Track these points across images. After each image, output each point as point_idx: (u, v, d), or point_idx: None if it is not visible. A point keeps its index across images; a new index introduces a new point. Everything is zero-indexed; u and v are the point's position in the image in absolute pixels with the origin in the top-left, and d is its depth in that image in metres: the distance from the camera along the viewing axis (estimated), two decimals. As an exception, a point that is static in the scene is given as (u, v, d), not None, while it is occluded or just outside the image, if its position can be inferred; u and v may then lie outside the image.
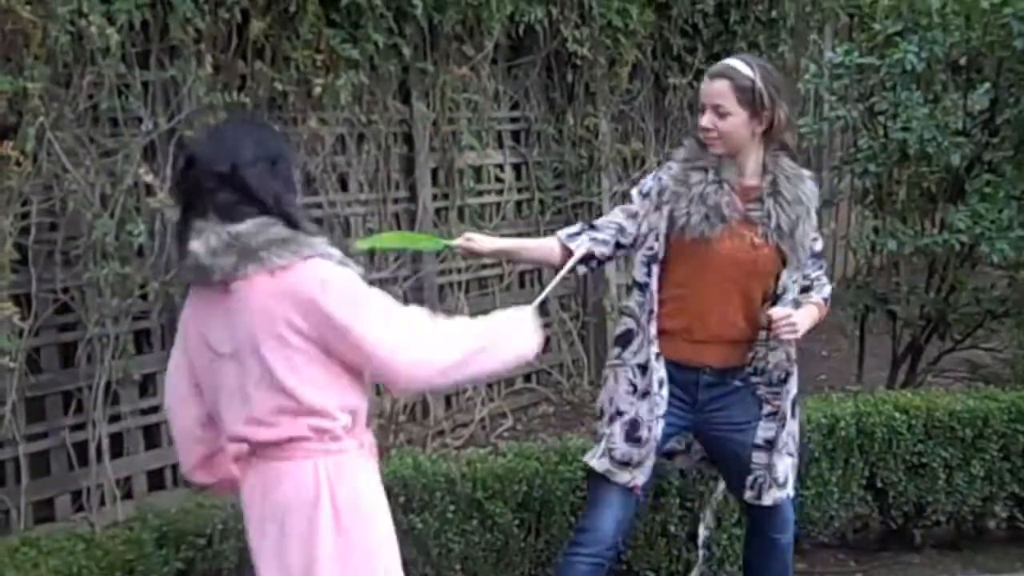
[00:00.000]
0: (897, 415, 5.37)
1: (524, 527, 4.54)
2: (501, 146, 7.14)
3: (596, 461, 4.01)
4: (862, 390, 5.97)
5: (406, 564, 3.11)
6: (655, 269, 3.93)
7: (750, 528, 4.30)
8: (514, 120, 7.25)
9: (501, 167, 7.12)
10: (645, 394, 3.94)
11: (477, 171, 6.96)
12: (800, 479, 5.13)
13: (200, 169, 2.86)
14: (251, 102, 5.31)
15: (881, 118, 6.51)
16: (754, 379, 4.05)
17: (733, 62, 3.91)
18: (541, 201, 7.36)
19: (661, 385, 3.93)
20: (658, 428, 3.94)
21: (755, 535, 4.26)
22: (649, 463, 3.97)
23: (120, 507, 4.91)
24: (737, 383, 4.03)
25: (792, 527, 4.22)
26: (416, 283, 6.50)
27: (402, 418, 6.20)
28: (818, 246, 4.09)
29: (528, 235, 6.53)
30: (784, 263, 3.96)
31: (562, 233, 3.99)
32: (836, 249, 9.91)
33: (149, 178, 4.94)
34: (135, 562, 3.73)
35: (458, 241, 3.90)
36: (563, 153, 7.41)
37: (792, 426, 4.08)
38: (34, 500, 4.73)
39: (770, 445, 4.04)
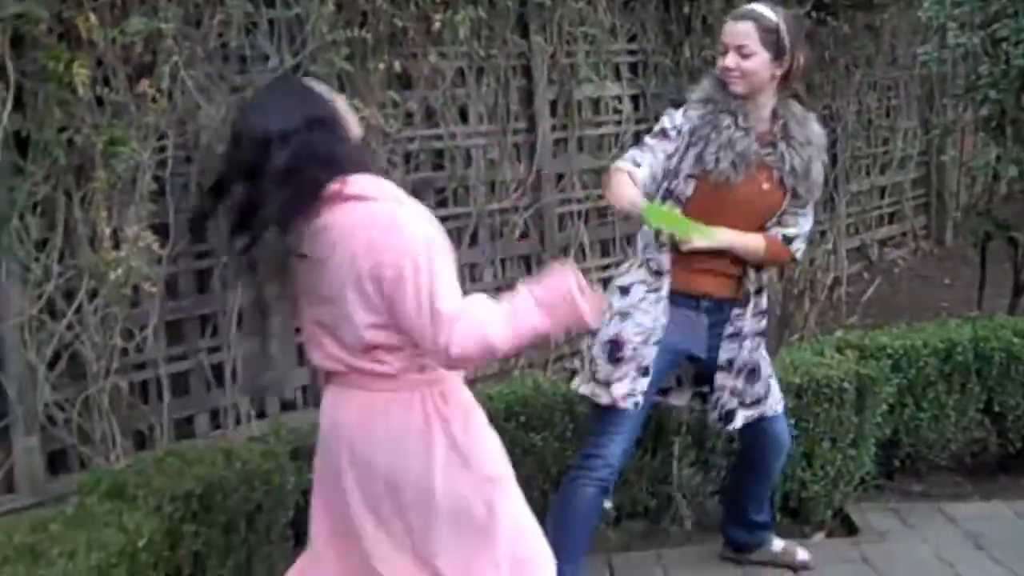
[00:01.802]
0: (1016, 340, 5.41)
1: (640, 446, 4.67)
2: (619, 78, 7.20)
3: (583, 386, 4.15)
4: (981, 316, 5.97)
5: (527, 479, 3.22)
6: (673, 205, 4.03)
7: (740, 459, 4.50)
8: (631, 52, 7.29)
9: (619, 99, 7.19)
10: (626, 315, 4.06)
11: (595, 103, 7.04)
12: (916, 401, 5.23)
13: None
14: (372, 38, 5.45)
15: (1004, 44, 6.44)
16: (735, 310, 4.18)
17: (757, 6, 4.03)
18: (659, 132, 7.40)
19: (658, 306, 4.06)
20: (647, 351, 4.05)
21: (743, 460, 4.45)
22: (640, 382, 4.07)
23: (255, 425, 5.13)
24: (730, 314, 4.16)
25: (784, 450, 4.38)
26: (536, 212, 6.64)
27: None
28: (818, 186, 4.22)
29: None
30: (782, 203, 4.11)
31: (625, 166, 3.95)
32: (959, 177, 9.83)
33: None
34: (271, 473, 3.94)
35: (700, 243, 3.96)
36: (680, 85, 7.44)
37: (757, 353, 4.21)
38: (175, 418, 4.96)
39: (730, 365, 4.18)
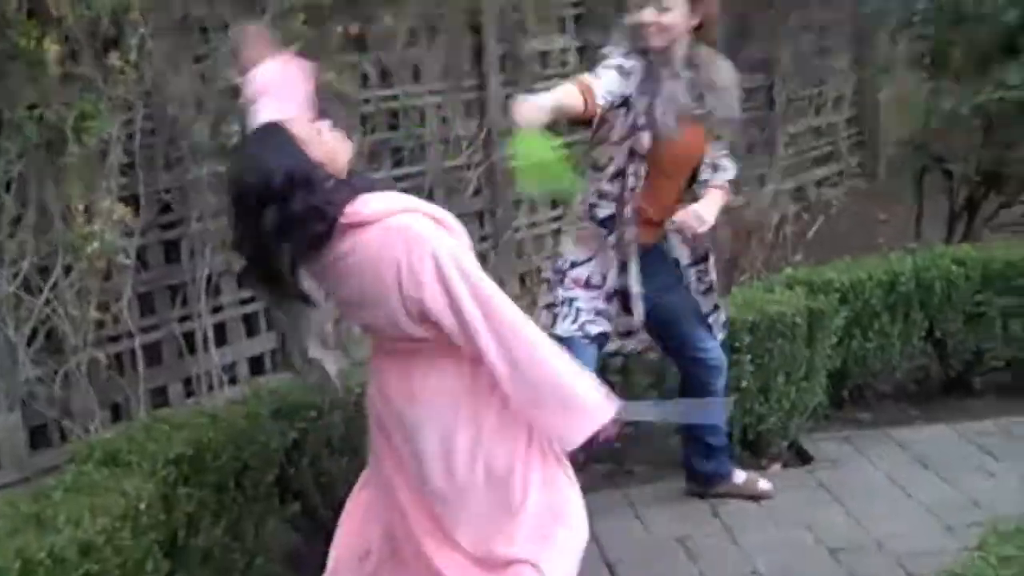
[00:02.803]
0: (954, 267, 5.63)
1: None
2: (564, 31, 7.34)
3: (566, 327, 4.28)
4: (920, 247, 6.21)
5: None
6: (638, 164, 4.14)
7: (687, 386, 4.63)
8: (576, 5, 7.43)
9: (566, 51, 7.33)
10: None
11: (543, 56, 7.18)
12: (863, 332, 5.47)
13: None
14: (329, 2, 5.55)
15: (936, -20, 6.65)
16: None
17: None
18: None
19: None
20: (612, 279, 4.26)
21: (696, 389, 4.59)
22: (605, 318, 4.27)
23: (227, 391, 5.28)
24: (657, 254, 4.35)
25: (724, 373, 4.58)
26: (488, 168, 6.80)
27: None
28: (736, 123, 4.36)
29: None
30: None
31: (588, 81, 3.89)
32: (892, 112, 10.06)
33: (239, 80, 5.21)
34: (255, 432, 4.09)
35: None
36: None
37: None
38: (150, 388, 5.10)
39: (710, 289, 4.45)
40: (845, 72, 9.71)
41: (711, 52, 4.22)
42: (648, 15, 4.02)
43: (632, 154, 4.14)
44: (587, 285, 4.28)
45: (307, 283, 3.16)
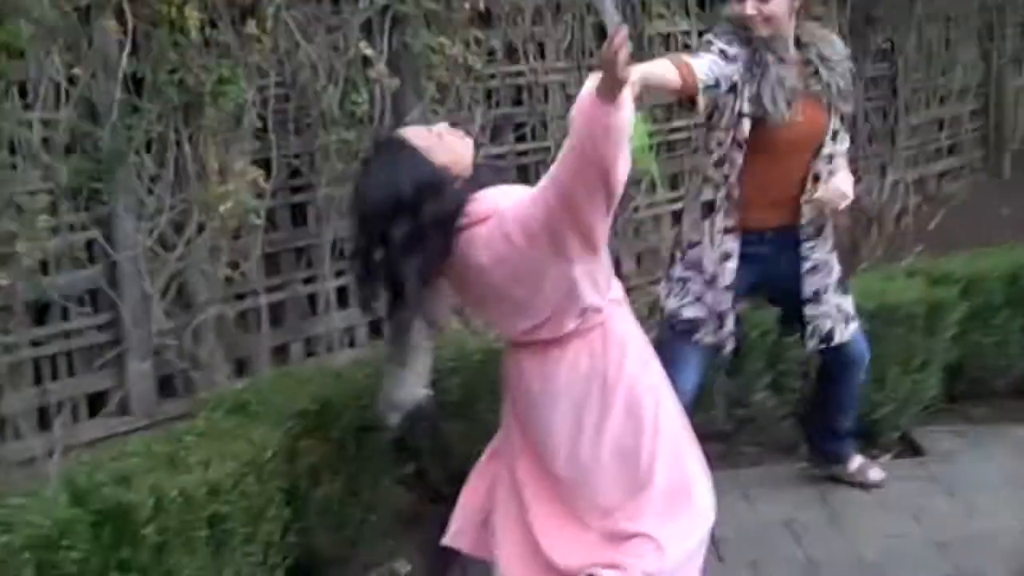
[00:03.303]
0: (1079, 264, 5.56)
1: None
2: (688, 14, 7.34)
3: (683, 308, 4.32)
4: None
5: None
6: (736, 152, 4.16)
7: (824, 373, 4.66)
8: (701, -12, 7.44)
9: (688, 34, 7.33)
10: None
11: (666, 38, 7.19)
12: (983, 326, 5.42)
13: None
14: (459, -20, 5.66)
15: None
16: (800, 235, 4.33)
17: None
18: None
19: (727, 258, 4.25)
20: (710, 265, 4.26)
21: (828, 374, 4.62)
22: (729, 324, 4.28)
23: (347, 353, 5.39)
24: (790, 239, 4.31)
25: (865, 360, 4.58)
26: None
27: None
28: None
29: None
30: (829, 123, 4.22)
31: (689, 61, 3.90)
32: (1020, 105, 9.89)
33: (368, 51, 5.32)
34: (376, 392, 4.20)
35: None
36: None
37: (836, 274, 4.41)
38: (273, 345, 5.23)
39: (816, 296, 4.37)
40: (971, 64, 9.56)
41: (820, 27, 4.25)
42: (750, 7, 4.03)
43: (735, 141, 4.15)
44: (699, 268, 4.31)
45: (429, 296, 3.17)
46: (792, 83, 4.09)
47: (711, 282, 4.27)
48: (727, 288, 4.26)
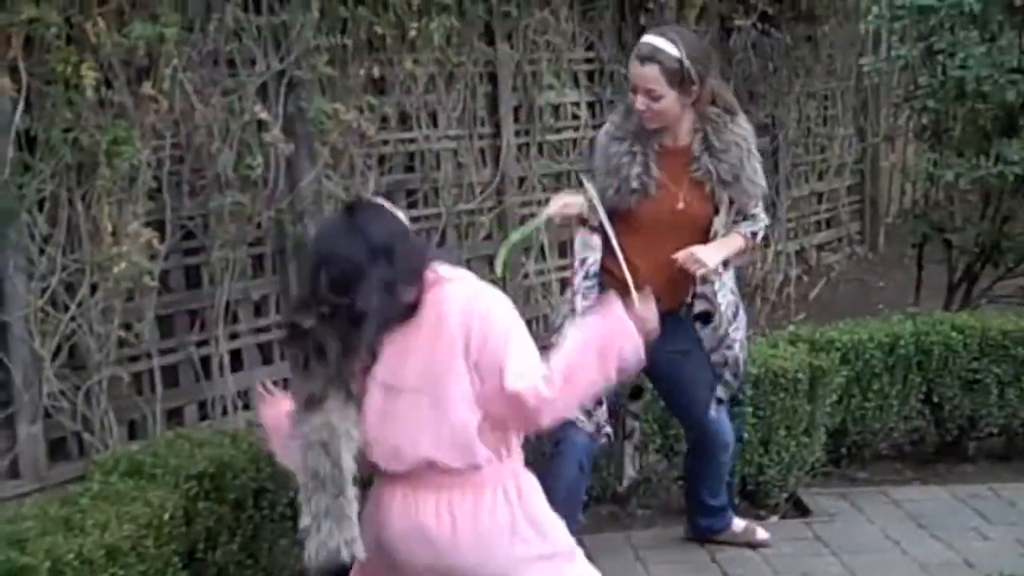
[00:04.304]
0: (953, 334, 5.74)
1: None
2: (577, 85, 7.50)
3: None
4: (920, 312, 6.33)
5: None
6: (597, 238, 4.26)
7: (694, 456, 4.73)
8: (589, 60, 7.59)
9: (578, 105, 7.49)
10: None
11: (556, 109, 7.35)
12: (863, 392, 5.59)
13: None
14: (352, 44, 5.73)
15: (940, 57, 6.83)
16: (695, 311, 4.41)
17: (659, 43, 4.11)
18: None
19: None
20: None
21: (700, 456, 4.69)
22: (599, 413, 4.30)
23: (240, 416, 5.36)
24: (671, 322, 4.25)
25: (728, 444, 4.66)
26: (500, 213, 6.92)
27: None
28: (759, 181, 4.35)
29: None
30: (717, 210, 4.28)
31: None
32: (893, 181, 10.24)
33: (264, 115, 5.36)
34: (274, 455, 4.18)
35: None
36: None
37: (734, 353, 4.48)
38: (166, 408, 5.19)
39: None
40: (848, 139, 9.89)
41: (722, 111, 4.28)
42: (640, 103, 4.15)
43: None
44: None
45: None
46: (626, 173, 4.20)
47: None
48: None
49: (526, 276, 7.00)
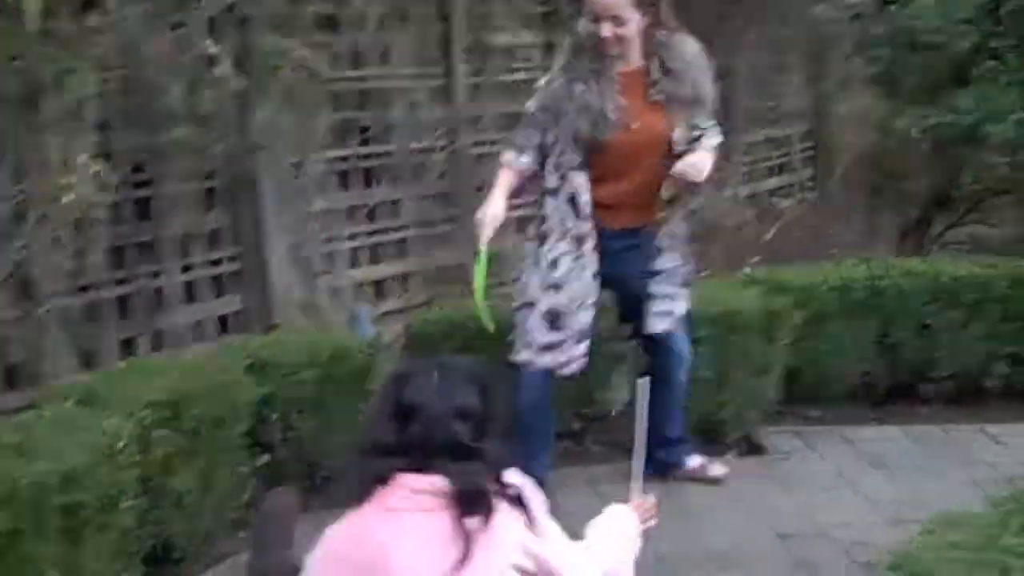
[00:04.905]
0: (905, 279, 5.75)
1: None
2: (529, 27, 7.44)
3: (522, 353, 4.40)
4: (874, 256, 6.36)
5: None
6: (573, 175, 4.30)
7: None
8: (543, 3, 7.54)
9: (531, 47, 7.43)
10: (558, 287, 4.34)
11: (508, 51, 7.28)
12: (817, 335, 5.60)
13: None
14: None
15: (892, 7, 6.84)
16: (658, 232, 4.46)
17: None
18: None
19: (585, 272, 4.36)
20: (583, 315, 4.36)
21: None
22: (577, 348, 4.38)
23: (194, 348, 5.32)
24: (641, 238, 4.44)
25: (685, 362, 4.72)
26: (453, 153, 6.87)
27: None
28: (711, 94, 4.41)
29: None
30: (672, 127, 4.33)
31: (510, 160, 4.35)
32: (845, 129, 10.26)
33: (213, 49, 5.27)
34: (229, 386, 4.15)
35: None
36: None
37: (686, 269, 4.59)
38: (120, 339, 5.17)
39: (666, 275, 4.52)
40: (801, 87, 9.90)
41: (669, 33, 4.30)
42: (606, 30, 4.17)
43: (557, 170, 4.33)
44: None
45: None
46: (598, 106, 4.21)
47: (579, 307, 4.38)
48: (591, 305, 4.39)
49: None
